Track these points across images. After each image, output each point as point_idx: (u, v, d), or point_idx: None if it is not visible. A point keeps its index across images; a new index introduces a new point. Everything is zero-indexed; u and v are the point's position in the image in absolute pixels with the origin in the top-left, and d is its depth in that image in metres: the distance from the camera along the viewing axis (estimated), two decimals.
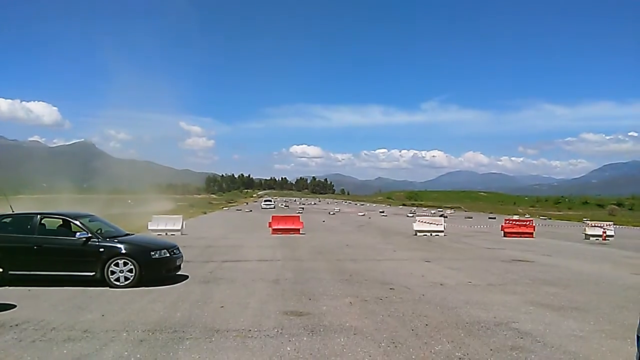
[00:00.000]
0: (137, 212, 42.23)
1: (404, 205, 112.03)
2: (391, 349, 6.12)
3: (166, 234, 22.34)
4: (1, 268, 9.19)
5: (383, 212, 64.22)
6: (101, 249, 9.91)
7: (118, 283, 9.78)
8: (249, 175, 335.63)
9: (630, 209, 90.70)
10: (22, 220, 10.44)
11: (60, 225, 10.69)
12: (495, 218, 49.50)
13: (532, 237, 25.08)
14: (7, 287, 9.48)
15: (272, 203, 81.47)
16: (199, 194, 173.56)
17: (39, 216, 10.36)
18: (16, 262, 9.74)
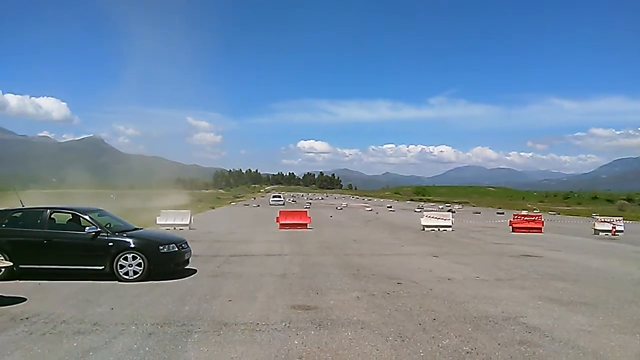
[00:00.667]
0: (153, 206, 42.35)
1: (411, 200, 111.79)
2: (398, 343, 6.12)
3: (174, 228, 22.46)
4: (12, 262, 9.33)
5: (390, 207, 64.13)
6: (110, 243, 9.98)
7: (127, 277, 9.85)
8: (257, 171, 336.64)
9: None
10: (32, 215, 10.55)
11: (70, 220, 10.77)
12: (503, 213, 49.27)
13: (541, 232, 24.94)
14: (17, 281, 9.59)
15: (282, 199, 70.79)
16: (207, 189, 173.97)
17: (48, 211, 10.46)
18: (26, 256, 9.86)
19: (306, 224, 25.08)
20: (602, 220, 26.39)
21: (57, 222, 10.63)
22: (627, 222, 31.30)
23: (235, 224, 29.22)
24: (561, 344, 6.17)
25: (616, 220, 25.80)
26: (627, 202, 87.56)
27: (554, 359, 5.63)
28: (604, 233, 24.76)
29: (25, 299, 8.17)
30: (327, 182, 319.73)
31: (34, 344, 5.90)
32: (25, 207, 11.25)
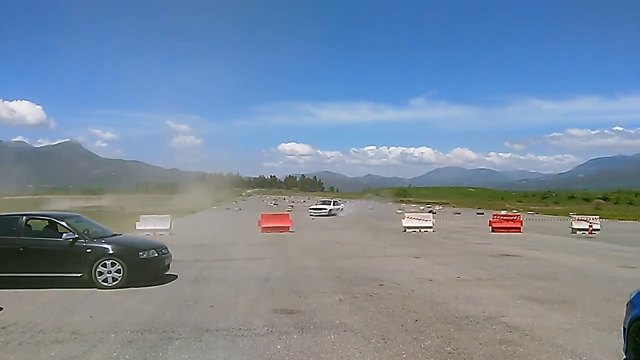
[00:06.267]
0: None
1: (392, 202, 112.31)
2: (381, 344, 6.14)
3: (154, 233, 22.18)
4: None
5: (372, 209, 64.38)
6: (88, 250, 9.80)
7: (106, 284, 9.68)
8: (238, 174, 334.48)
9: (615, 203, 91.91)
10: (8, 222, 10.30)
11: (47, 227, 10.57)
12: (483, 213, 49.82)
13: (520, 231, 25.29)
14: None
15: (327, 208, 45.44)
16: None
17: (24, 217, 10.22)
18: (2, 265, 9.63)
19: (288, 227, 25.04)
20: (579, 219, 26.86)
21: (33, 229, 10.41)
22: (604, 220, 31.89)
23: (216, 228, 29.00)
24: (541, 343, 6.25)
25: (593, 219, 26.29)
26: (603, 201, 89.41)
27: (534, 358, 5.70)
28: (581, 232, 25.21)
29: (1, 308, 7.97)
30: (309, 185, 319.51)
31: (10, 354, 5.76)
32: (0, 214, 11.00)
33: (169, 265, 11.02)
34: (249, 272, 12.08)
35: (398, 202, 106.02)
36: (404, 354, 5.79)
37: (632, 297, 5.29)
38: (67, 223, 10.21)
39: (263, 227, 24.61)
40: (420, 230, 25.15)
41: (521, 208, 68.76)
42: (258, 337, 6.44)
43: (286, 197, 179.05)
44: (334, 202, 51.92)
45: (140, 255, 10.10)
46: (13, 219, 10.29)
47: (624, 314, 5.37)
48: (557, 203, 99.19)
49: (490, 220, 26.95)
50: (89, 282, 9.71)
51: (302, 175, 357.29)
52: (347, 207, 60.67)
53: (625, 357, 5.25)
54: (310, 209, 45.75)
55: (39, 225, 10.64)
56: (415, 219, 26.41)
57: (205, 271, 12.17)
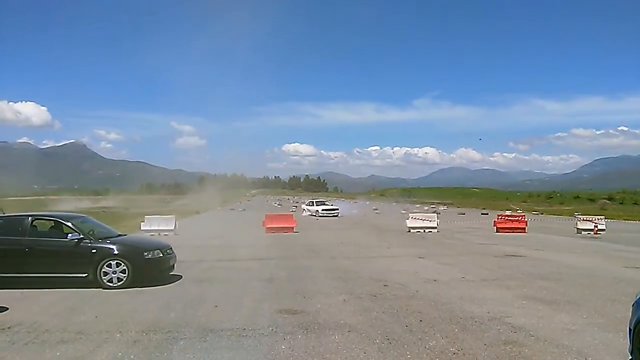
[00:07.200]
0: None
1: (397, 202, 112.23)
2: (386, 345, 6.14)
3: (159, 234, 22.23)
4: None
5: (376, 209, 64.34)
6: (93, 250, 9.85)
7: (111, 284, 9.72)
8: (242, 175, 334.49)
9: (621, 203, 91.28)
10: (13, 222, 10.37)
11: (52, 227, 10.63)
12: (487, 214, 49.61)
13: (525, 232, 25.19)
14: None
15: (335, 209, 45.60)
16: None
17: (30, 218, 10.28)
18: (7, 265, 9.69)
19: (292, 228, 25.05)
20: (585, 219, 26.71)
21: (39, 230, 10.47)
22: (609, 220, 31.70)
23: (221, 228, 29.05)
24: (546, 343, 6.23)
25: (598, 219, 26.14)
26: (608, 201, 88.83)
27: (539, 358, 5.69)
28: (586, 232, 25.05)
29: (7, 308, 8.02)
30: (312, 186, 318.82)
31: (16, 354, 5.79)
32: (5, 214, 11.07)
33: (173, 265, 11.06)
34: (253, 272, 12.10)
35: (402, 202, 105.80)
36: (408, 355, 5.79)
37: (637, 297, 5.27)
38: (72, 224, 10.27)
39: (267, 228, 24.64)
40: (424, 231, 25.10)
41: (526, 208, 68.51)
42: (262, 338, 6.46)
43: (290, 197, 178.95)
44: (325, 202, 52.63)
45: (145, 255, 10.14)
46: (19, 220, 10.35)
47: (630, 315, 5.35)
48: (561, 203, 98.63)
49: (494, 221, 26.84)
50: (94, 283, 9.75)
51: (306, 175, 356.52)
52: (350, 208, 60.71)
53: (630, 357, 5.23)
54: (322, 210, 45.06)
55: (44, 225, 10.71)
56: (419, 219, 26.36)
57: (209, 271, 12.20)
